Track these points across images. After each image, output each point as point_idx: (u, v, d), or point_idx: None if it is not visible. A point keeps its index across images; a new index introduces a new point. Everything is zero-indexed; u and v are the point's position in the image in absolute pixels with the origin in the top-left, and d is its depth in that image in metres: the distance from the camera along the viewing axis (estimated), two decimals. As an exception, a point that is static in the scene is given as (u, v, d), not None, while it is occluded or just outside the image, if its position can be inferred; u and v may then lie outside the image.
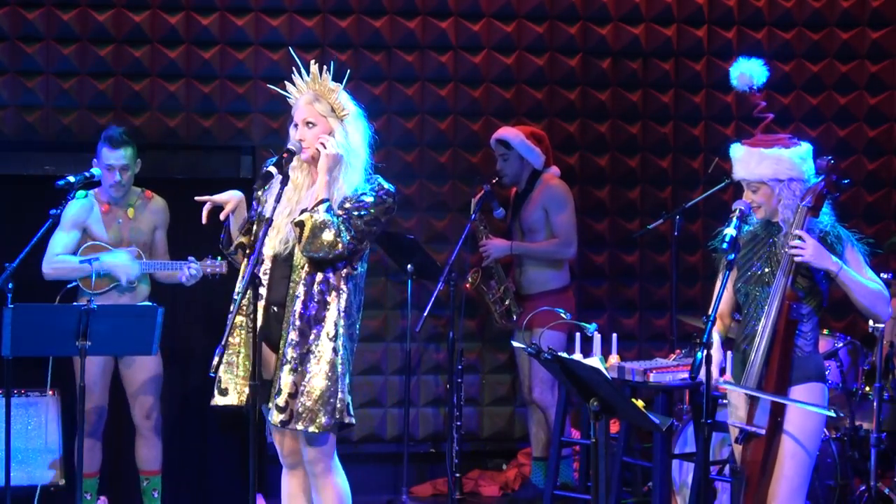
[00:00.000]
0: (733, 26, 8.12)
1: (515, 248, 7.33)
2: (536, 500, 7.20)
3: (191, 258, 6.38)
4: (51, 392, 6.69)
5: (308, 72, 4.98)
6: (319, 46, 7.62)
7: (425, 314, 6.85)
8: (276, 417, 4.82)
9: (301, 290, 4.84)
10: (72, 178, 5.99)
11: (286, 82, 5.03)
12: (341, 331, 4.86)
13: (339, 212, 4.82)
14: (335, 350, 4.83)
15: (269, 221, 4.77)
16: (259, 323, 4.78)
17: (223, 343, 4.52)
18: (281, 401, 4.80)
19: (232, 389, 4.90)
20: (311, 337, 4.82)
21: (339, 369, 4.83)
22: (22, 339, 5.64)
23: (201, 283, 6.50)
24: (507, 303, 7.35)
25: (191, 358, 6.99)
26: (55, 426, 6.70)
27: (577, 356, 5.24)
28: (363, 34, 7.78)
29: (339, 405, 4.82)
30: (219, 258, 6.36)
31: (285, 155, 4.84)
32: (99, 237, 6.48)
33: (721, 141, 7.81)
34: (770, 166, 4.83)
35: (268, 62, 7.66)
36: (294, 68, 5.00)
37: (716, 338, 4.93)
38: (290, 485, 5.11)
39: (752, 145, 4.91)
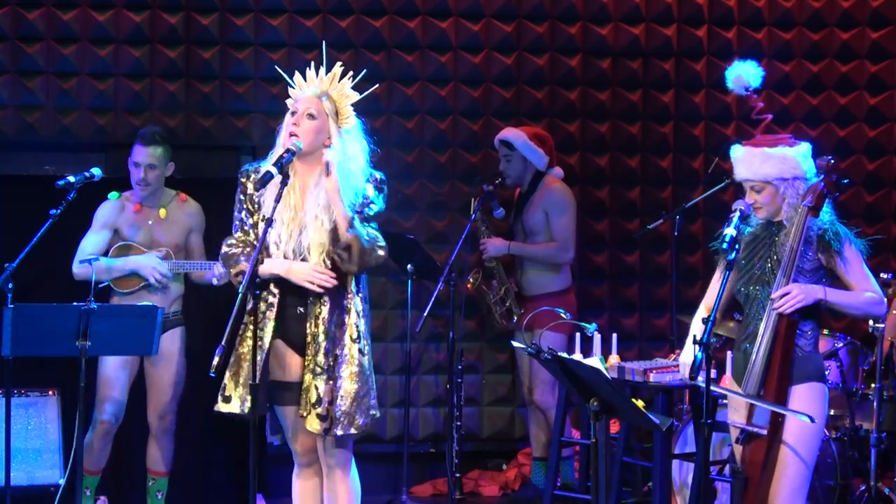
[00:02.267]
0: (733, 26, 8.12)
1: (513, 248, 7.33)
2: (536, 500, 7.20)
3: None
4: (51, 392, 6.70)
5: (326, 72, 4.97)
6: (319, 47, 7.59)
7: (425, 314, 6.85)
8: (317, 426, 4.86)
9: (327, 296, 4.88)
10: (72, 178, 5.99)
11: (297, 71, 5.01)
12: (362, 330, 4.93)
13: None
14: (361, 351, 4.91)
15: (270, 221, 4.77)
16: (271, 325, 4.84)
17: (223, 343, 4.51)
18: (322, 409, 4.85)
19: (235, 398, 4.91)
20: (337, 341, 4.88)
21: (367, 369, 4.93)
22: (22, 339, 5.63)
23: (204, 285, 6.52)
24: (508, 303, 7.35)
25: (191, 358, 6.98)
26: (55, 426, 6.70)
27: (577, 356, 5.24)
28: (363, 34, 7.78)
29: (371, 402, 4.94)
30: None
31: (284, 155, 4.82)
32: (129, 238, 6.47)
33: (721, 141, 7.82)
34: (775, 165, 4.83)
35: (268, 62, 7.65)
36: (312, 61, 4.98)
37: (692, 331, 4.92)
38: (302, 485, 5.12)
39: (755, 145, 4.91)
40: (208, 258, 6.54)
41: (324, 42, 5.19)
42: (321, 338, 4.86)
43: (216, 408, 4.94)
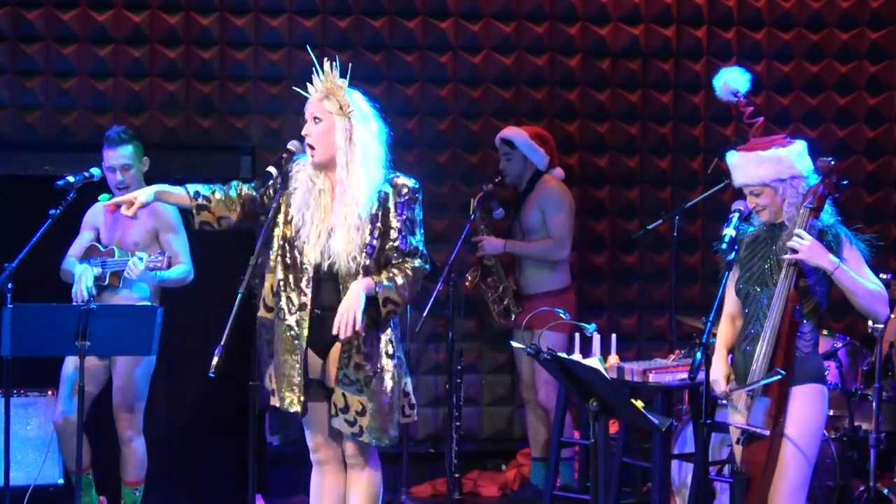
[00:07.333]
0: (733, 27, 8.12)
1: (509, 246, 7.33)
2: (536, 500, 7.19)
3: (137, 253, 6.27)
4: (50, 392, 6.69)
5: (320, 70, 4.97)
6: (319, 47, 7.60)
7: (425, 314, 6.85)
8: (346, 428, 4.87)
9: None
10: (71, 179, 5.99)
11: (307, 82, 5.01)
12: (395, 345, 4.95)
13: (396, 243, 5.05)
14: (396, 366, 4.94)
15: (270, 222, 4.77)
16: (306, 325, 4.83)
17: (222, 343, 4.51)
18: (350, 416, 4.85)
19: (293, 400, 4.89)
20: (371, 357, 4.87)
21: (401, 381, 4.95)
22: (22, 339, 5.63)
23: (200, 284, 6.49)
24: (506, 302, 7.35)
25: (189, 358, 6.99)
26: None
27: (577, 356, 5.24)
28: (363, 34, 7.78)
29: (396, 416, 4.93)
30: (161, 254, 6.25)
31: (285, 155, 4.84)
32: (104, 240, 6.46)
33: (720, 141, 7.82)
34: (771, 168, 4.83)
35: (267, 62, 7.66)
36: (314, 68, 4.99)
37: (720, 344, 4.92)
38: (320, 483, 5.11)
39: (749, 149, 4.91)
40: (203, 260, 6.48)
41: (307, 46, 5.16)
42: (353, 351, 4.85)
43: (271, 403, 4.93)
